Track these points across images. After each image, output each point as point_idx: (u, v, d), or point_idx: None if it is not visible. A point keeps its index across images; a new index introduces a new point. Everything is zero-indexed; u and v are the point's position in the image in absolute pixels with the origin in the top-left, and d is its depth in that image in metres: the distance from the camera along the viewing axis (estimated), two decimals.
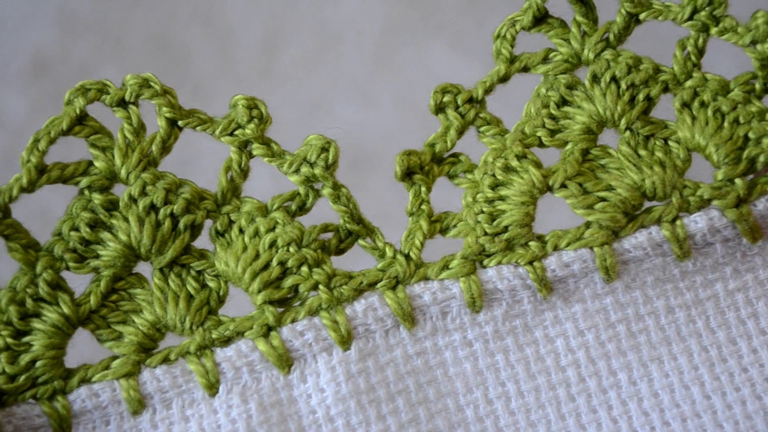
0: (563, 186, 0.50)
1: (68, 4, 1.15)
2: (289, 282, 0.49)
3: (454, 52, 1.07)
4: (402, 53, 1.09)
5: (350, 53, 1.11)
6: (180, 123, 0.50)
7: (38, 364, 0.47)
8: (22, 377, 0.47)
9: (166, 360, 0.48)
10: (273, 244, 0.49)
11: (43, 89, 1.09)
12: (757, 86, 0.50)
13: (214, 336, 0.48)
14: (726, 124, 0.50)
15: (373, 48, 1.10)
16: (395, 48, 1.10)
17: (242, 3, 1.14)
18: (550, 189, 0.50)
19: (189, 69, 1.09)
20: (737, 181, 0.49)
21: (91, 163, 0.49)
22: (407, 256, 0.50)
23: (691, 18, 0.51)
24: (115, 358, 0.48)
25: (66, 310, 0.48)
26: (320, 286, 0.48)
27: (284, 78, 1.10)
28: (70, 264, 0.49)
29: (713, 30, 0.51)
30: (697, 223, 0.49)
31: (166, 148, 0.50)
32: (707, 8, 0.51)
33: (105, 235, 0.49)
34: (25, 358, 0.47)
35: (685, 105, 0.51)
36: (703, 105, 0.50)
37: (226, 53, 1.12)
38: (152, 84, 0.50)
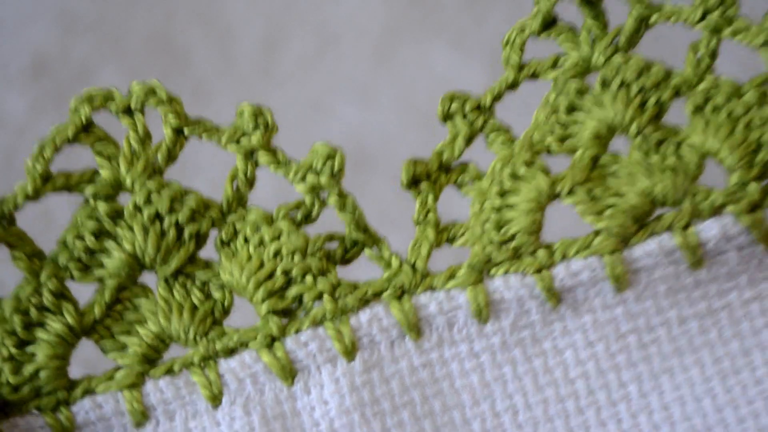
0: (571, 192, 0.48)
1: (68, 4, 1.15)
2: (293, 291, 0.48)
3: (454, 51, 1.06)
4: (402, 53, 1.09)
5: (350, 53, 1.11)
6: (185, 131, 0.49)
7: (42, 374, 0.47)
8: (26, 388, 0.47)
9: (169, 371, 0.48)
10: (277, 253, 0.48)
11: (43, 89, 1.10)
12: None
13: (217, 347, 0.48)
14: (739, 128, 0.48)
15: (373, 48, 1.10)
16: (395, 48, 1.10)
17: (242, 3, 1.14)
18: (558, 196, 0.49)
19: (189, 69, 1.09)
20: (751, 186, 0.47)
21: (96, 172, 0.49)
22: (413, 266, 0.49)
23: (702, 19, 0.50)
24: (119, 368, 0.48)
25: (70, 320, 0.48)
26: (325, 296, 0.48)
27: (284, 78, 1.10)
28: (75, 273, 0.48)
29: (726, 31, 0.49)
30: (710, 230, 0.47)
31: (171, 157, 0.49)
32: (719, 8, 0.49)
33: (110, 244, 0.49)
34: (28, 369, 0.47)
35: (698, 109, 0.49)
36: (716, 109, 0.49)
37: (226, 53, 1.12)
38: (158, 91, 0.49)
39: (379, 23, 1.13)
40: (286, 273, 0.48)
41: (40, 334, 0.48)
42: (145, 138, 0.49)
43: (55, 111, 1.11)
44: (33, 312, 0.48)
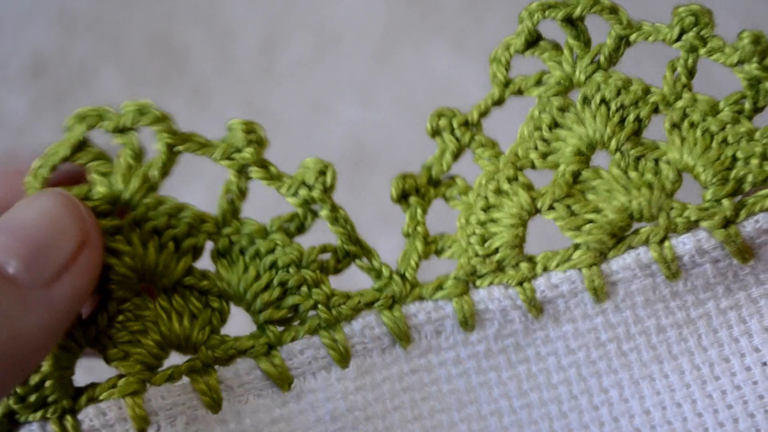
0: (551, 208, 0.50)
1: (68, 4, 1.15)
2: (289, 302, 0.50)
3: (454, 52, 1.07)
4: (402, 53, 1.09)
5: (350, 53, 1.10)
6: (179, 147, 0.50)
7: (47, 383, 0.48)
8: (33, 397, 0.48)
9: (170, 378, 0.49)
10: (273, 265, 0.50)
11: (43, 89, 1.10)
12: (747, 106, 0.50)
13: (216, 354, 0.49)
14: (714, 145, 0.50)
15: (373, 48, 1.10)
16: (395, 48, 1.10)
17: (242, 3, 1.14)
18: (538, 211, 0.50)
19: (189, 69, 1.09)
20: (724, 201, 0.49)
21: (91, 189, 0.50)
22: (403, 276, 0.51)
23: (679, 39, 0.51)
24: (121, 376, 0.49)
25: (74, 331, 0.49)
26: (319, 306, 0.50)
27: (284, 78, 1.10)
28: None
29: (701, 50, 0.51)
30: (685, 244, 0.49)
31: (165, 172, 0.50)
32: (694, 29, 0.51)
33: (111, 260, 0.50)
34: (34, 378, 0.48)
35: (675, 126, 0.50)
36: (693, 125, 0.50)
37: (226, 53, 1.12)
38: (150, 110, 0.50)
39: (379, 23, 1.13)
40: (282, 284, 0.50)
41: None
42: (140, 154, 0.50)
43: (54, 111, 1.10)
44: None
